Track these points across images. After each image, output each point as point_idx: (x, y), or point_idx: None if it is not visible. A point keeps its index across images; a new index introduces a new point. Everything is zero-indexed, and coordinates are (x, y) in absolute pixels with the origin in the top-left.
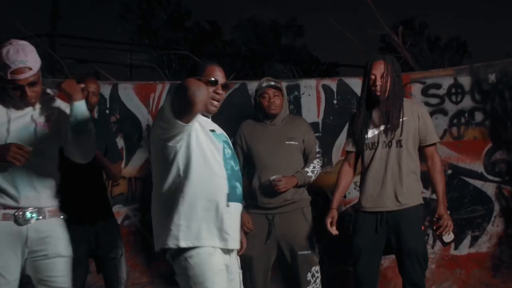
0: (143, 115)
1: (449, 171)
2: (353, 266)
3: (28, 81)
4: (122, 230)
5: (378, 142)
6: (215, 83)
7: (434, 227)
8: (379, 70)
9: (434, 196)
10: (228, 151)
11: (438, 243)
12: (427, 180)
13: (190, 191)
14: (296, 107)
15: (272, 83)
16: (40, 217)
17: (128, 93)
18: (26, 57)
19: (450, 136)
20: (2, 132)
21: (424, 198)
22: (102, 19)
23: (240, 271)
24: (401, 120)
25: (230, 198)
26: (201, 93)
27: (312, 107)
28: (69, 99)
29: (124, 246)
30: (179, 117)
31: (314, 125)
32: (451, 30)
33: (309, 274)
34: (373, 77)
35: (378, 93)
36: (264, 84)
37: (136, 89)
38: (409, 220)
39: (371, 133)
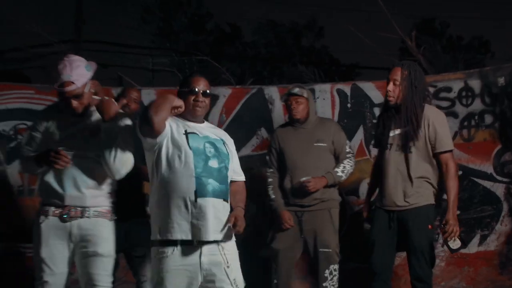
0: None
1: (460, 172)
2: (368, 258)
3: (72, 94)
4: None
5: (392, 145)
6: (195, 92)
7: (441, 232)
8: (394, 76)
9: (444, 197)
10: (211, 150)
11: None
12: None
13: (161, 191)
14: None
15: (295, 90)
16: (84, 216)
17: (151, 99)
18: (71, 72)
19: (460, 138)
20: (55, 138)
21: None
22: (123, 22)
23: (230, 261)
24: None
25: (199, 194)
26: (159, 110)
27: (327, 110)
28: (101, 117)
29: None
30: (144, 134)
31: None
32: (475, 30)
33: (327, 271)
34: (388, 82)
35: (389, 98)
36: (287, 92)
37: (159, 94)
38: (417, 219)
39: (391, 133)
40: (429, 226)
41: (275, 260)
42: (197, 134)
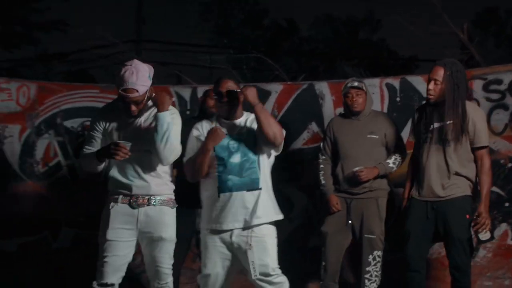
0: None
1: (509, 165)
2: (403, 249)
3: (134, 100)
4: None
5: (432, 138)
6: (220, 94)
7: (473, 224)
8: (434, 75)
9: (493, 189)
10: (235, 146)
11: (496, 234)
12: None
13: (203, 187)
14: None
15: (355, 83)
16: (151, 204)
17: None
18: (137, 81)
19: (510, 130)
20: (113, 138)
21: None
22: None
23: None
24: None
25: (220, 190)
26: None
27: (376, 104)
28: (156, 108)
29: None
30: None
31: None
32: None
33: (370, 256)
34: (429, 80)
35: (429, 96)
36: (349, 85)
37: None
38: (455, 210)
39: (430, 127)
40: (467, 216)
41: (324, 243)
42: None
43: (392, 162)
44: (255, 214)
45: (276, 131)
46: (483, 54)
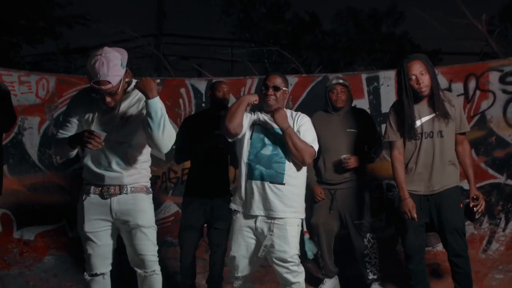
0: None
1: None
2: (402, 242)
3: (107, 91)
4: None
5: (422, 133)
6: (266, 88)
7: (471, 205)
8: (417, 69)
9: (508, 182)
10: (270, 140)
11: (509, 226)
12: (502, 165)
13: (238, 173)
14: (375, 97)
15: (341, 80)
16: (122, 193)
17: None
18: (108, 72)
19: None
20: (92, 123)
21: (499, 184)
22: (205, 15)
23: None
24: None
25: (249, 177)
26: (232, 117)
27: (391, 97)
28: (145, 96)
29: None
30: (228, 137)
31: None
32: None
33: (365, 240)
34: (413, 77)
35: (423, 89)
36: (334, 81)
37: (229, 84)
38: (450, 201)
39: (418, 123)
40: (461, 205)
41: (317, 234)
42: (261, 125)
43: (373, 152)
44: (275, 207)
45: (305, 155)
46: (504, 46)
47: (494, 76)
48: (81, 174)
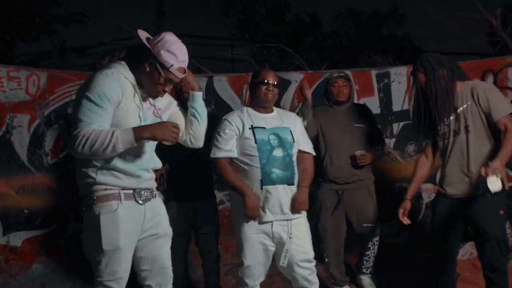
0: (237, 105)
1: None
2: (433, 251)
3: (177, 81)
4: None
5: (448, 133)
6: (266, 83)
7: (484, 173)
8: (419, 79)
9: None
10: (275, 141)
11: None
12: None
13: (243, 179)
14: (386, 94)
15: (342, 74)
16: (155, 197)
17: (222, 85)
18: (187, 59)
19: None
20: (132, 117)
21: None
22: (205, 16)
23: (291, 237)
24: (463, 107)
25: (265, 182)
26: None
27: (403, 94)
28: (193, 88)
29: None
30: None
31: (404, 113)
32: None
33: (370, 243)
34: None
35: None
36: (335, 75)
37: (230, 80)
38: (485, 206)
39: (442, 123)
40: (500, 212)
41: (324, 241)
42: (263, 127)
43: (381, 148)
44: (291, 209)
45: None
46: None
47: None
48: (74, 175)
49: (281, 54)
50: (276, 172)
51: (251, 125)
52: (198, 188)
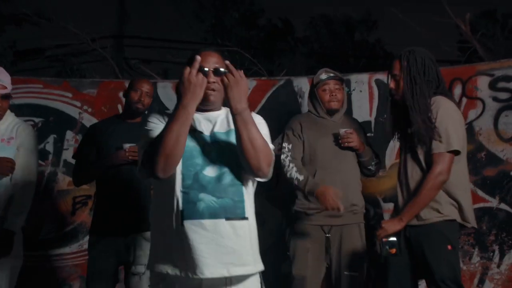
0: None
1: None
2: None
3: None
4: None
5: (404, 147)
6: (205, 72)
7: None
8: (394, 71)
9: (502, 206)
10: (211, 151)
11: (505, 261)
12: (493, 186)
13: (153, 210)
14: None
15: (332, 74)
16: None
17: (167, 92)
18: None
19: None
20: None
21: (490, 208)
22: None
23: None
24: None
25: (186, 215)
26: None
27: (364, 104)
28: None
29: None
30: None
31: (365, 124)
32: None
33: None
34: (389, 78)
35: (395, 97)
36: (324, 76)
37: (176, 87)
38: (430, 239)
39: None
40: (448, 247)
41: None
42: (201, 132)
43: (373, 166)
44: (239, 258)
45: (263, 159)
46: (490, 48)
47: (483, 81)
48: None
49: (256, 61)
50: (206, 199)
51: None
52: (133, 219)
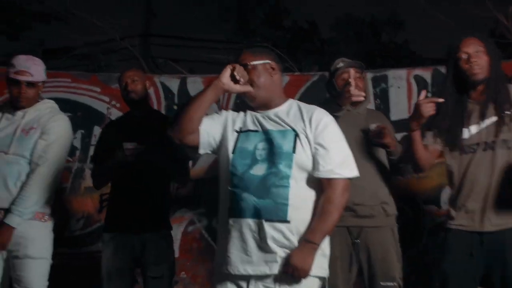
0: (214, 109)
1: None
2: None
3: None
4: (185, 237)
5: (478, 144)
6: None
7: None
8: (471, 47)
9: None
10: (261, 153)
11: None
12: None
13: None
14: (383, 101)
15: (354, 63)
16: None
17: (197, 87)
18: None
19: None
20: None
21: None
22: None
23: None
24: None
25: (232, 213)
26: (181, 121)
27: (402, 101)
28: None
29: (186, 254)
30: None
31: (404, 122)
32: None
33: None
34: (465, 56)
35: (475, 72)
36: (341, 64)
37: (206, 82)
38: None
39: (466, 132)
40: None
41: None
42: (255, 130)
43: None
44: (279, 259)
45: None
46: None
47: None
48: None
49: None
50: (247, 199)
51: (240, 128)
52: (147, 216)
